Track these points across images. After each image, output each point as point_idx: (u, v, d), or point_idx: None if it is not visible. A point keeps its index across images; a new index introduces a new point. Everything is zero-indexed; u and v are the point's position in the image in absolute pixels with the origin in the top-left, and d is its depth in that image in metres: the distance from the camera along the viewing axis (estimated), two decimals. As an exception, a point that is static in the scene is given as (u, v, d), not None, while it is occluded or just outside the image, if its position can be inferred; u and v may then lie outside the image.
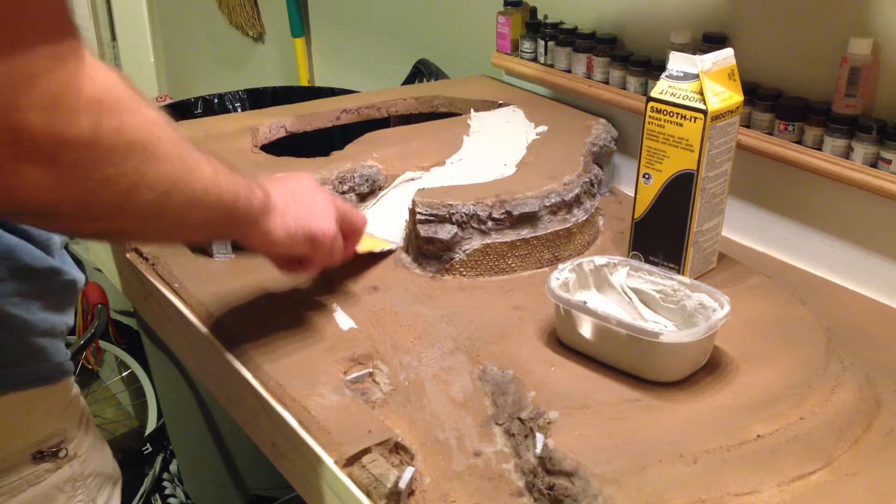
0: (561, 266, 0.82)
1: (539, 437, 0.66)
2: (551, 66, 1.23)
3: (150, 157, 0.51)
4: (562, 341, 0.79)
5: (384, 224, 0.98)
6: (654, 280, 0.81)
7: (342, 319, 0.84)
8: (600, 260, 0.83)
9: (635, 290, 0.82)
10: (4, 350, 0.64)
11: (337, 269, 0.92)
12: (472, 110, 1.22)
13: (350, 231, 0.80)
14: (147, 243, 0.70)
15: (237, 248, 0.96)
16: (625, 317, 0.80)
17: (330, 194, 0.77)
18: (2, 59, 0.42)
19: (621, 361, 0.75)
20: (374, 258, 0.93)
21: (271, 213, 0.68)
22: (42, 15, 0.44)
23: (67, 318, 0.70)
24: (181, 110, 1.59)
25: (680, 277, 0.80)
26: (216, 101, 1.63)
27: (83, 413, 0.73)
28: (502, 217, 0.90)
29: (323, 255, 0.76)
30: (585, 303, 0.79)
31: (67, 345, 0.73)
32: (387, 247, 0.94)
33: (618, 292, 0.82)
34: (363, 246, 0.89)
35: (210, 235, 0.69)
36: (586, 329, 0.76)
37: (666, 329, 0.78)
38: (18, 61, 0.43)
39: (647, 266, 0.82)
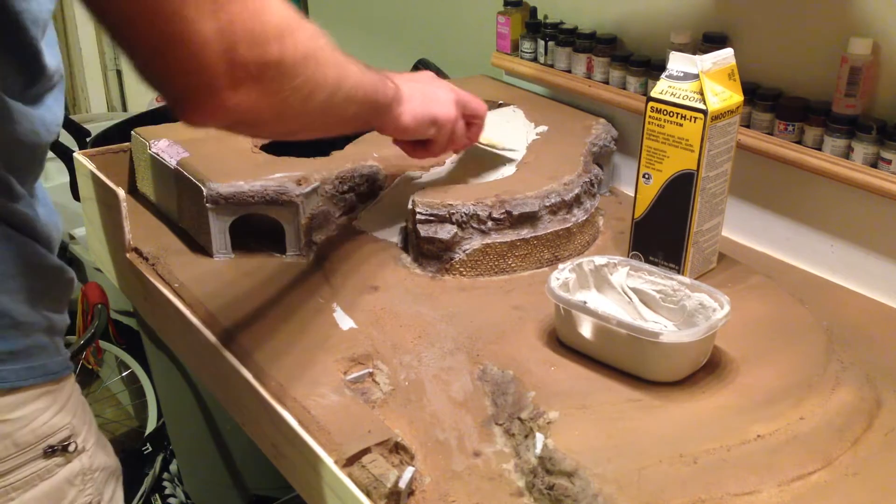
0: (561, 266, 0.82)
1: (539, 437, 0.66)
2: (551, 66, 1.23)
3: (319, 63, 0.63)
4: (562, 341, 0.79)
5: (385, 224, 0.98)
6: (653, 280, 0.81)
7: (342, 319, 0.84)
8: (600, 260, 0.83)
9: (635, 290, 0.82)
10: (14, 347, 0.65)
11: (337, 268, 0.92)
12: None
13: (471, 117, 0.92)
14: (315, 136, 0.82)
15: (237, 248, 0.96)
16: (625, 317, 0.80)
17: (450, 85, 0.89)
18: (216, 13, 0.54)
19: (621, 361, 0.75)
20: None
21: (401, 101, 0.81)
22: None
23: (66, 317, 0.71)
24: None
25: (680, 277, 0.80)
26: (216, 101, 1.62)
27: (85, 408, 0.74)
28: (502, 217, 0.90)
29: (446, 139, 0.88)
30: (585, 303, 0.79)
31: (67, 345, 0.74)
32: (506, 147, 0.99)
33: (618, 292, 0.82)
34: (485, 138, 0.97)
35: (359, 125, 0.81)
36: (586, 329, 0.76)
37: (666, 329, 0.78)
38: (227, 13, 0.54)
39: (647, 266, 0.82)
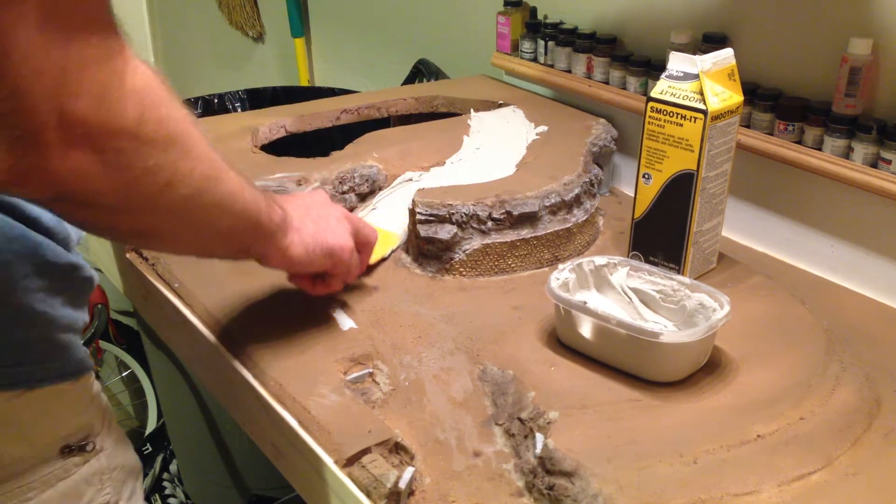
0: (561, 266, 0.82)
1: (539, 437, 0.66)
2: (551, 66, 1.23)
3: (186, 152, 0.53)
4: (562, 341, 0.79)
5: (385, 223, 0.98)
6: (654, 280, 0.81)
7: (342, 319, 0.84)
8: (600, 260, 0.83)
9: (635, 291, 0.82)
10: (30, 346, 0.65)
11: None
12: (471, 110, 1.22)
13: (363, 245, 0.81)
14: (175, 250, 0.72)
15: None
16: (625, 317, 0.80)
17: (342, 209, 0.79)
18: (57, 48, 0.45)
19: (621, 362, 0.75)
20: (381, 260, 0.93)
21: (289, 229, 0.69)
22: (92, 12, 0.47)
23: (84, 315, 0.71)
24: (181, 110, 1.59)
25: (680, 277, 0.80)
26: (216, 101, 1.63)
27: (106, 408, 0.74)
28: (502, 217, 0.90)
29: (342, 270, 0.78)
30: (585, 303, 0.79)
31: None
32: (395, 244, 0.95)
33: (618, 292, 0.82)
34: (374, 255, 0.89)
35: (234, 248, 0.67)
36: (586, 329, 0.76)
37: (666, 329, 0.78)
38: (72, 51, 0.45)
39: (647, 266, 0.82)
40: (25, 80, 0.44)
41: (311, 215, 0.74)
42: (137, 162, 0.50)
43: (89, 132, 0.47)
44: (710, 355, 0.76)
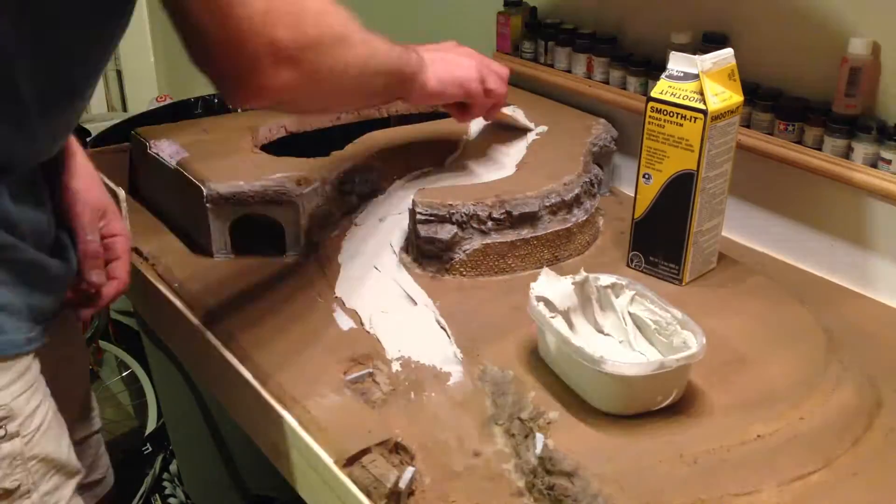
0: (545, 273, 0.79)
1: (539, 437, 0.66)
2: (551, 66, 1.23)
3: (350, 44, 0.70)
4: (538, 354, 0.77)
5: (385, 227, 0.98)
6: (653, 310, 0.77)
7: (342, 319, 0.84)
8: (606, 280, 0.80)
9: (636, 317, 0.79)
10: None
11: (337, 268, 0.92)
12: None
13: (494, 77, 0.98)
14: (348, 110, 0.99)
15: (237, 248, 0.96)
16: (611, 343, 0.78)
17: (472, 52, 0.97)
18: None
19: (574, 383, 0.73)
20: None
21: (425, 69, 0.87)
22: None
23: (33, 300, 0.69)
24: (181, 110, 1.59)
25: (674, 311, 0.75)
26: (216, 101, 1.62)
27: (45, 397, 0.72)
28: (502, 217, 0.90)
29: (479, 100, 0.97)
30: (555, 317, 0.77)
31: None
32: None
33: (617, 316, 0.80)
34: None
35: (388, 97, 0.90)
36: (549, 343, 0.74)
37: (614, 358, 0.70)
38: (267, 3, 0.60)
39: (652, 294, 0.77)
40: (244, 27, 0.60)
41: (441, 56, 0.91)
42: (323, 63, 0.66)
43: (290, 52, 0.62)
44: (678, 397, 0.71)
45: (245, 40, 0.60)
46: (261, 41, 0.61)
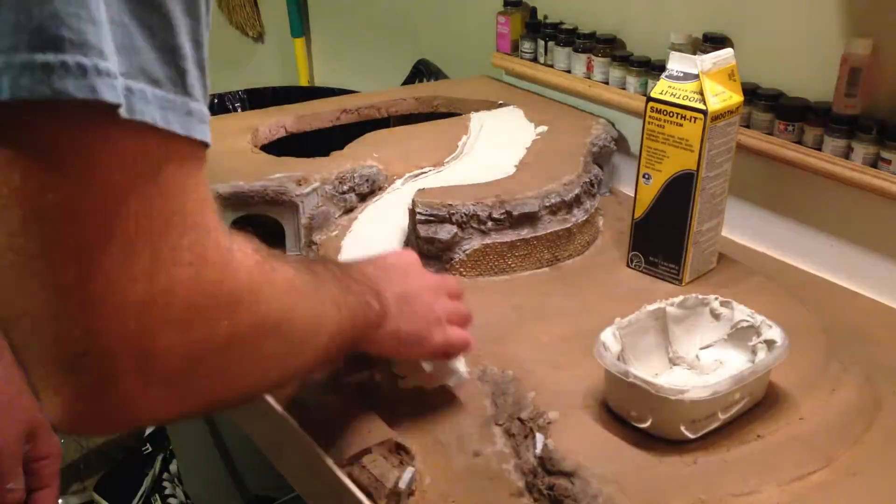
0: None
1: (539, 437, 0.66)
2: (551, 66, 1.23)
3: (286, 332, 0.47)
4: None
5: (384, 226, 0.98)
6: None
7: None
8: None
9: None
10: None
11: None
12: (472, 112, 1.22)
13: (460, 321, 0.71)
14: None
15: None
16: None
17: (437, 280, 0.71)
18: (141, 278, 0.38)
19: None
20: None
21: (385, 322, 0.63)
22: (183, 215, 0.40)
23: None
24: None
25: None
26: (216, 100, 1.62)
27: None
28: (502, 217, 0.90)
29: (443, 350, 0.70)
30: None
31: None
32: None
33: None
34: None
35: (325, 365, 0.65)
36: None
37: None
38: (158, 279, 0.38)
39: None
40: (105, 315, 0.38)
41: (407, 301, 0.66)
42: (229, 371, 0.44)
43: (175, 364, 0.40)
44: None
45: (105, 345, 0.38)
46: (130, 346, 0.38)
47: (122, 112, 0.36)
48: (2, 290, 0.38)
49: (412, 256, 0.72)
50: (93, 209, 0.37)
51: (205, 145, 0.41)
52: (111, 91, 0.36)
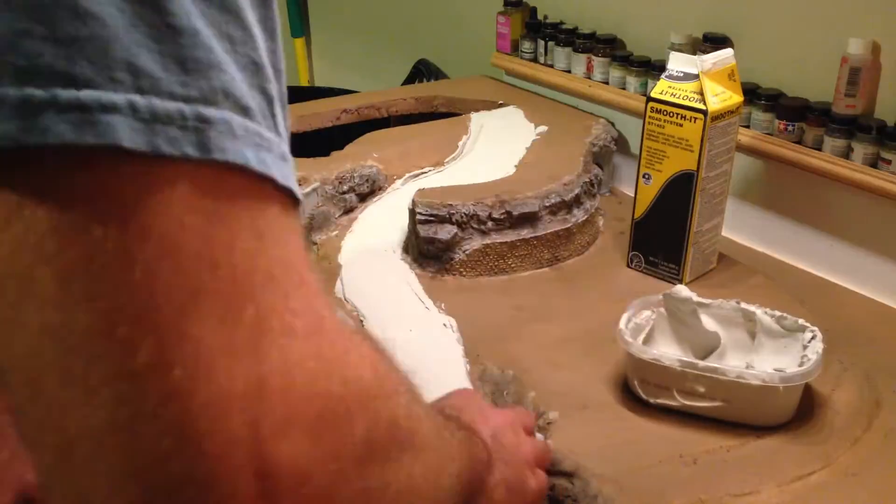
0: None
1: (539, 437, 0.66)
2: (551, 66, 1.23)
3: (416, 449, 0.36)
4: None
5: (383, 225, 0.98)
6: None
7: (342, 319, 0.83)
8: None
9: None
10: None
11: (337, 269, 0.92)
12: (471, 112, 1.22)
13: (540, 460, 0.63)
14: None
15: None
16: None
17: (515, 418, 0.62)
18: (245, 354, 0.28)
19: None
20: None
21: (494, 464, 0.54)
22: (287, 267, 0.30)
23: None
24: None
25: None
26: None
27: None
28: (502, 217, 0.90)
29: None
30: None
31: None
32: None
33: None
34: None
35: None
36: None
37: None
38: (270, 355, 0.28)
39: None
40: (201, 414, 0.27)
41: (500, 442, 0.56)
42: (360, 485, 0.32)
43: (302, 475, 0.28)
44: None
45: (210, 466, 0.27)
46: (240, 462, 0.27)
47: (189, 151, 0.27)
48: (53, 409, 0.27)
49: (475, 395, 0.66)
50: (155, 257, 0.27)
51: (297, 202, 0.32)
52: (133, 134, 0.26)
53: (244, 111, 0.29)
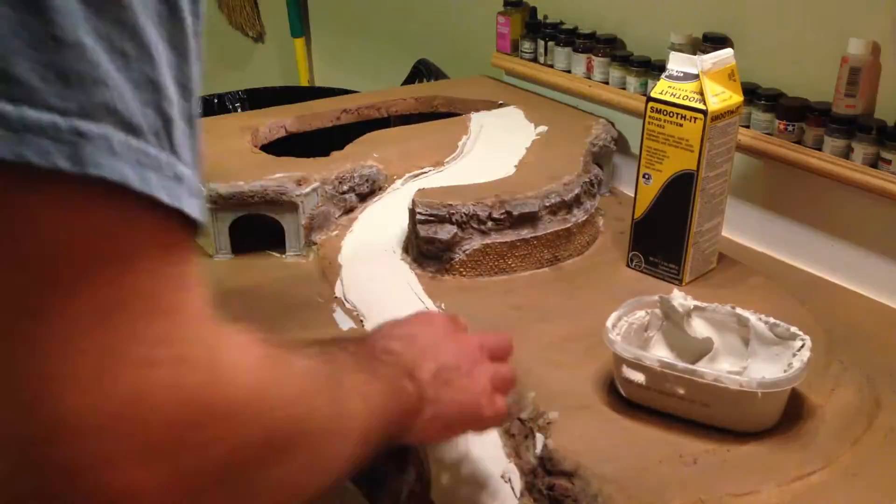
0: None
1: (539, 437, 0.66)
2: (551, 66, 1.23)
3: (302, 446, 0.38)
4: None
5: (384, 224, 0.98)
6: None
7: (342, 319, 0.83)
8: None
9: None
10: None
11: (337, 268, 0.92)
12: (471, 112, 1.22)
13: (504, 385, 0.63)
14: None
15: (237, 248, 0.96)
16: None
17: (476, 343, 0.63)
18: (93, 384, 0.28)
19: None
20: None
21: (424, 406, 0.55)
22: (153, 297, 0.30)
23: None
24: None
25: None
26: (216, 101, 1.62)
27: None
28: (502, 217, 0.90)
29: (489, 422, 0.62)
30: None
31: None
32: None
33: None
34: None
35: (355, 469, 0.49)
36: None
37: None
38: (120, 385, 0.28)
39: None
40: (55, 439, 0.27)
41: (446, 377, 0.57)
42: (225, 497, 0.33)
43: (153, 501, 0.29)
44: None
45: (64, 472, 0.28)
46: (94, 478, 0.28)
47: (61, 164, 0.27)
48: None
49: (438, 318, 0.65)
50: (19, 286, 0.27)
51: (195, 225, 0.32)
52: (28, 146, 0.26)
53: (129, 128, 0.28)
